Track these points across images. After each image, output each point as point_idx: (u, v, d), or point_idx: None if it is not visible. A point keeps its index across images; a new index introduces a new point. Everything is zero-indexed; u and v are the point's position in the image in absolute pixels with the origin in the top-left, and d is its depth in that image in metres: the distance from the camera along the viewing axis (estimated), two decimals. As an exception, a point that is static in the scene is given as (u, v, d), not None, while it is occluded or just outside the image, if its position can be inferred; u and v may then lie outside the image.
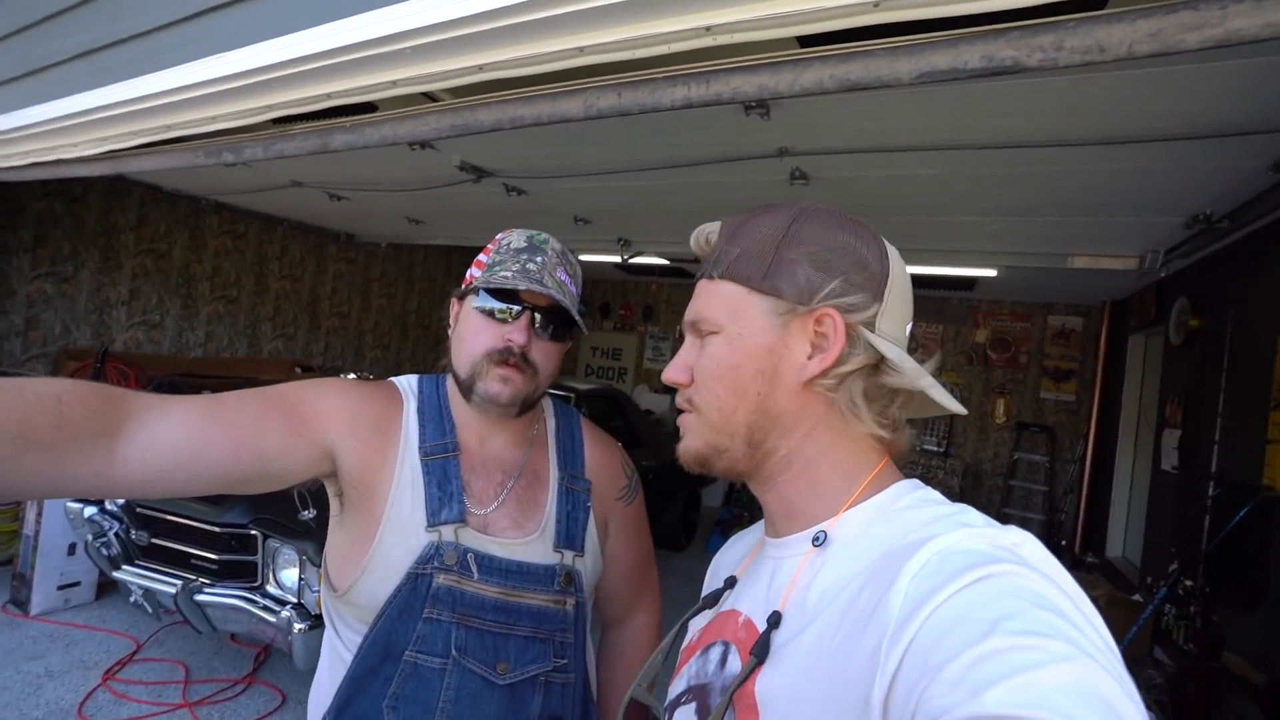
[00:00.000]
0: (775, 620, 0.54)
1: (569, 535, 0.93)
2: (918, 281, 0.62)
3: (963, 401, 0.58)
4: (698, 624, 0.68)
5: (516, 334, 0.87)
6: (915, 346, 0.61)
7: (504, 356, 0.87)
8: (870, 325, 0.55)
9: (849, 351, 0.54)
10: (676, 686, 0.64)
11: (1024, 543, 0.46)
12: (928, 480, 0.57)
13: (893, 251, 0.59)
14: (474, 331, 0.89)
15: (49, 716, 2.47)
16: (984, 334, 6.70)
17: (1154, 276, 3.76)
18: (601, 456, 1.03)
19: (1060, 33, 0.95)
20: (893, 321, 0.57)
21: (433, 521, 0.86)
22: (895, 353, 0.54)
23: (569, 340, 0.95)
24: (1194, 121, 1.82)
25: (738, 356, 0.57)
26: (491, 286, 0.87)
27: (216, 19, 1.79)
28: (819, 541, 0.55)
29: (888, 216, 3.15)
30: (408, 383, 0.97)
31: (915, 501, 0.54)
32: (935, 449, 6.65)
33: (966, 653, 0.36)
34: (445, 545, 0.85)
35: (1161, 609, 3.51)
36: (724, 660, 0.58)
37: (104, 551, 2.83)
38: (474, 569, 0.85)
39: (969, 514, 0.50)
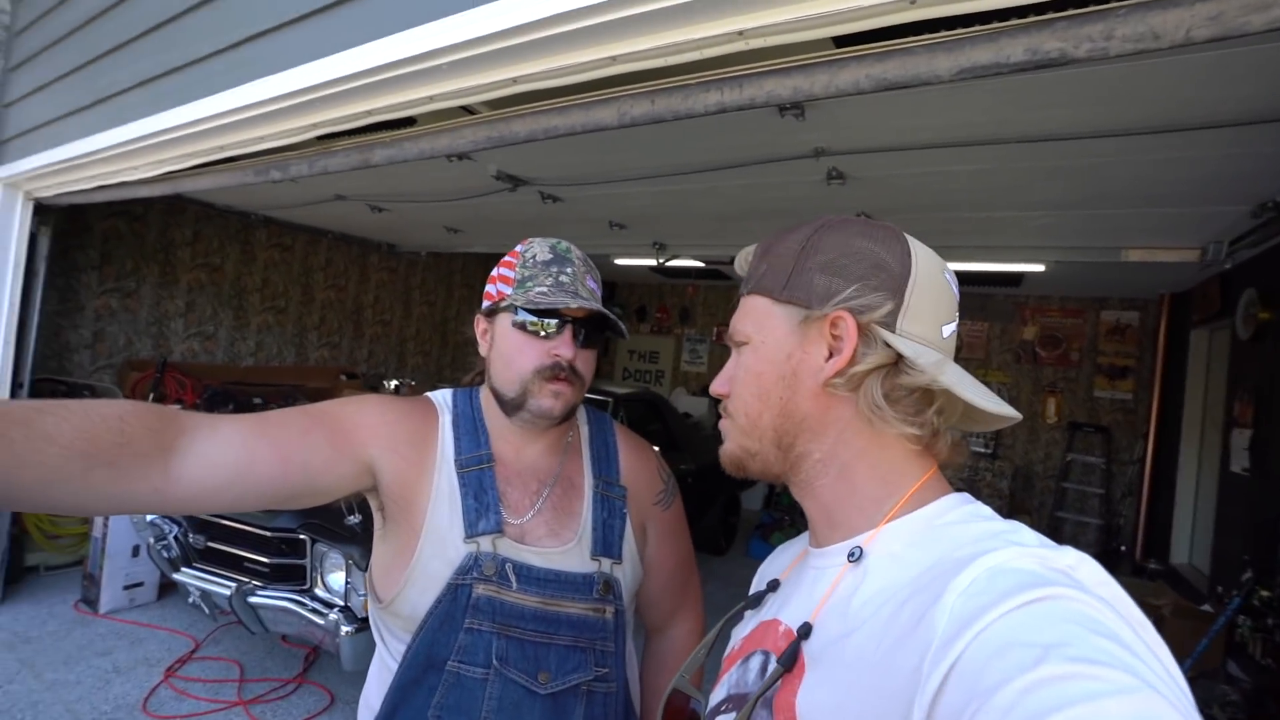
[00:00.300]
0: (805, 631, 0.54)
1: (606, 543, 0.93)
2: (959, 279, 0.61)
3: (1011, 401, 0.57)
4: (740, 632, 0.68)
5: (564, 349, 0.88)
6: (960, 346, 0.60)
7: (555, 372, 0.88)
8: (889, 325, 0.55)
9: (863, 351, 0.55)
10: (717, 694, 0.64)
11: (1080, 565, 0.44)
12: (975, 483, 0.57)
13: (921, 253, 0.58)
14: (518, 350, 0.89)
15: (117, 710, 2.60)
16: (1032, 331, 6.46)
17: (1218, 268, 3.56)
18: (636, 462, 1.03)
19: (1110, 21, 0.91)
20: (920, 321, 0.56)
21: (470, 533, 0.87)
22: (911, 349, 0.54)
23: (600, 344, 0.96)
24: (1251, 106, 1.72)
25: (762, 364, 0.60)
26: (535, 307, 0.87)
27: (262, 44, 1.86)
28: (854, 557, 0.54)
29: (927, 214, 3.07)
30: (442, 397, 0.98)
31: (965, 516, 0.53)
32: (983, 450, 6.43)
33: (1020, 678, 0.35)
34: (484, 556, 0.86)
35: (1235, 620, 3.32)
36: (764, 669, 0.58)
37: (164, 554, 2.97)
38: (513, 579, 0.86)
39: (1022, 532, 0.49)
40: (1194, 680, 3.29)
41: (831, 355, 0.56)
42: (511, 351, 0.90)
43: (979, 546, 0.47)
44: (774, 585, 0.68)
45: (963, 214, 3.03)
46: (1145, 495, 5.32)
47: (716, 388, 0.65)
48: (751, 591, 0.71)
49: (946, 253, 0.61)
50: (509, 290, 0.91)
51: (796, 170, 2.54)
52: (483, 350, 0.95)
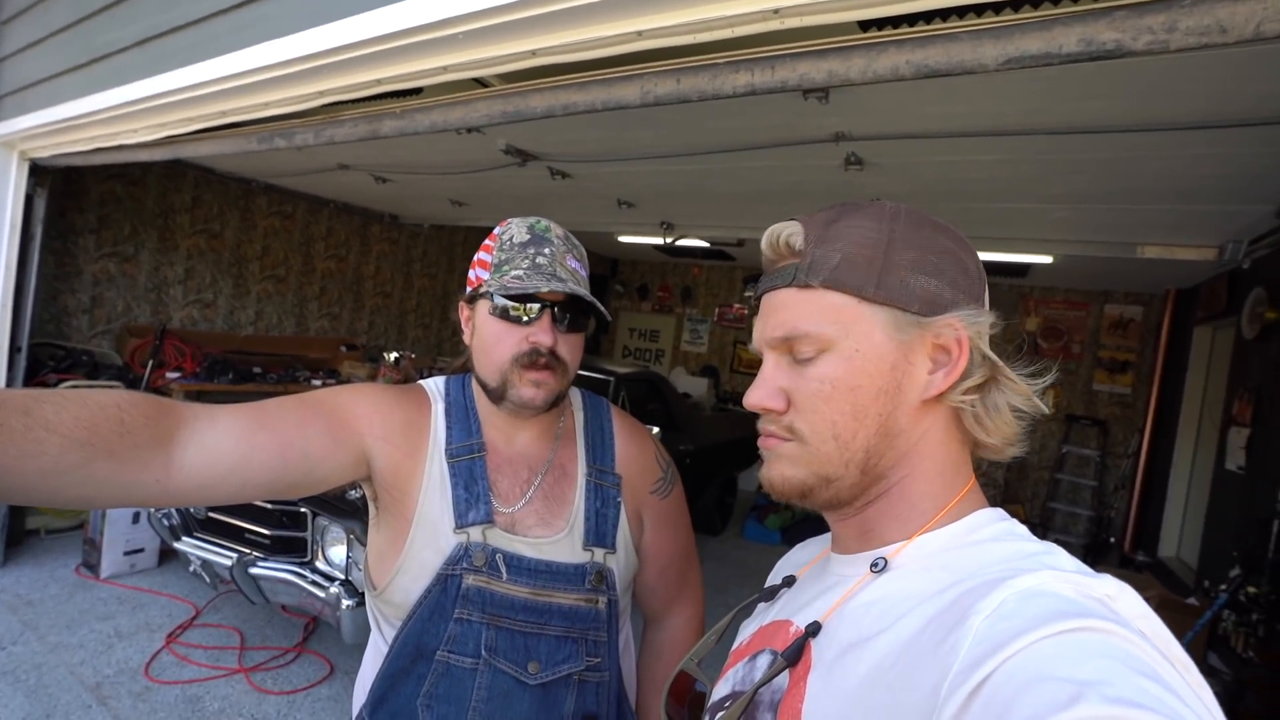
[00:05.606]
0: (814, 629, 0.52)
1: (599, 533, 0.92)
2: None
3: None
4: (749, 628, 0.67)
5: (542, 335, 0.84)
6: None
7: (532, 359, 0.84)
8: (983, 336, 0.52)
9: (970, 366, 0.51)
10: (720, 690, 0.62)
11: (1120, 595, 0.41)
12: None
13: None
14: (496, 338, 0.86)
15: (119, 675, 2.62)
16: (1035, 322, 6.45)
17: (1232, 266, 3.53)
18: (634, 449, 1.00)
19: (1174, 11, 0.86)
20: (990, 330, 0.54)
21: (460, 523, 0.86)
22: (1007, 368, 0.52)
23: (588, 327, 0.91)
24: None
25: (857, 376, 0.52)
26: (509, 293, 0.83)
27: (267, 5, 1.79)
28: (878, 568, 0.52)
29: (944, 203, 3.02)
30: (435, 385, 0.96)
31: (999, 534, 0.51)
32: (979, 440, 6.45)
33: (1052, 718, 0.32)
34: (474, 546, 0.85)
35: (1220, 614, 3.36)
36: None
37: (165, 522, 2.96)
38: (503, 569, 0.85)
39: (1058, 555, 0.46)
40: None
41: (935, 367, 0.52)
42: (490, 339, 0.86)
43: (1010, 567, 0.44)
44: (789, 581, 0.65)
45: (980, 204, 2.98)
46: (1138, 489, 5.36)
47: (769, 402, 0.54)
48: (767, 584, 0.69)
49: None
50: (486, 275, 0.87)
51: (814, 154, 2.49)
52: (466, 338, 0.92)
